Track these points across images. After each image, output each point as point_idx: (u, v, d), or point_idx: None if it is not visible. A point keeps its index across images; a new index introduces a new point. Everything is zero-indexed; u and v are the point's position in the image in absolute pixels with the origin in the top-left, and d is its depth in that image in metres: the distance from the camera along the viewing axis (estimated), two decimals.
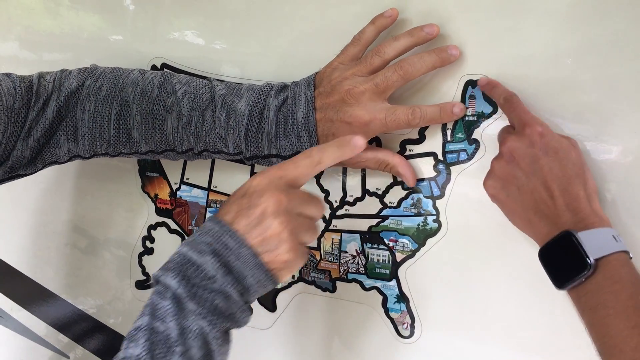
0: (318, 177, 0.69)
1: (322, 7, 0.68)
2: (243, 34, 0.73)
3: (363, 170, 0.67)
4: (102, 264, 0.86)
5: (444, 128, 0.62)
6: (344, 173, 0.68)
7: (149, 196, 0.81)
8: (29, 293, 0.93)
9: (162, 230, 0.81)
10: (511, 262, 0.60)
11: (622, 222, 0.55)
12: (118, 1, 0.80)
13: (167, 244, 0.80)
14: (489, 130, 0.60)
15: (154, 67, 0.78)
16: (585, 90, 0.56)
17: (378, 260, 0.67)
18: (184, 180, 0.78)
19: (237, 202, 0.49)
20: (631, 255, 0.47)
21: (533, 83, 0.58)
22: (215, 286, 0.46)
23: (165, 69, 0.75)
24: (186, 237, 0.79)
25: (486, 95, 0.59)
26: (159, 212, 0.80)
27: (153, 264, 0.82)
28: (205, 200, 0.77)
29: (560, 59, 0.57)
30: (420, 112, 0.58)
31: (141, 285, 0.83)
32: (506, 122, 0.58)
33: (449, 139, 0.62)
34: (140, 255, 0.83)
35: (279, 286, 0.73)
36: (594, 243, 0.47)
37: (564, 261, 0.48)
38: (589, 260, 0.46)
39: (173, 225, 0.80)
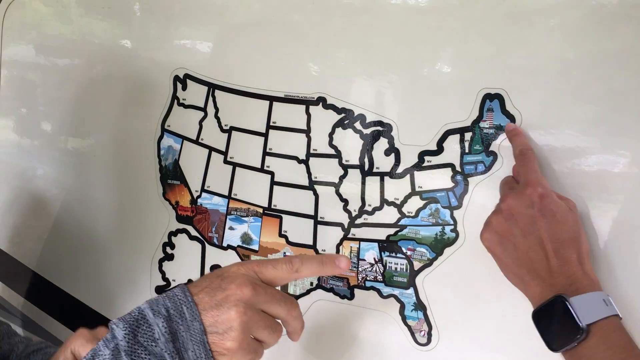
0: (337, 187, 0.71)
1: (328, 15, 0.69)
2: (256, 43, 0.74)
3: (382, 180, 0.68)
4: (123, 269, 0.88)
5: (462, 140, 0.64)
6: (363, 183, 0.69)
7: (170, 203, 0.83)
8: (50, 298, 0.95)
9: (182, 236, 0.82)
10: None
11: (629, 232, 0.56)
12: (129, 10, 0.82)
13: (187, 250, 0.82)
14: (507, 143, 0.61)
15: (176, 78, 0.80)
16: (592, 102, 0.58)
17: (396, 268, 0.69)
18: (205, 188, 0.80)
19: (210, 279, 0.51)
20: (621, 317, 0.49)
21: (541, 94, 0.59)
22: (156, 350, 0.47)
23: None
24: (206, 244, 0.80)
25: (504, 108, 0.61)
26: (179, 219, 0.82)
27: (173, 270, 0.84)
28: (225, 208, 0.78)
29: (568, 72, 0.58)
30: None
31: (161, 290, 0.85)
32: (528, 134, 0.60)
33: (466, 150, 0.63)
34: (161, 261, 0.84)
35: (297, 293, 0.74)
36: (586, 308, 0.48)
37: (556, 325, 0.50)
38: (581, 325, 0.47)
39: (193, 232, 0.81)
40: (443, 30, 0.63)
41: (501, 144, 0.62)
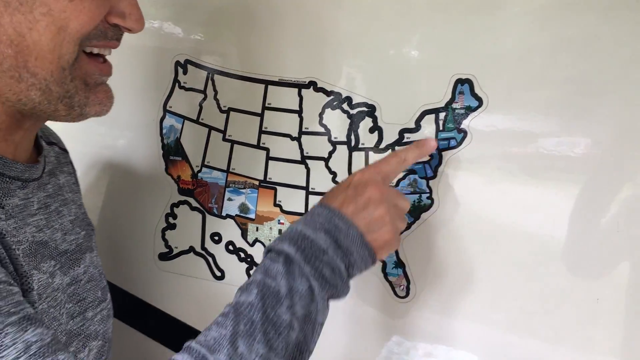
0: (327, 161, 0.80)
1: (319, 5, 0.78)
2: (252, 32, 0.82)
3: (366, 153, 0.77)
4: (128, 239, 0.96)
5: (436, 119, 0.73)
6: (350, 157, 0.79)
7: (172, 178, 0.90)
8: None
9: (184, 207, 0.90)
10: (496, 233, 0.71)
11: (591, 211, 0.66)
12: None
13: (188, 220, 0.90)
14: (476, 121, 0.71)
15: (177, 63, 0.87)
16: (555, 86, 0.67)
17: None
18: (205, 163, 0.88)
19: (343, 193, 0.58)
20: None
21: (505, 79, 0.68)
22: (326, 258, 0.53)
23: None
24: (206, 214, 0.89)
25: (473, 91, 0.71)
26: (181, 191, 0.90)
27: (175, 238, 0.92)
28: (224, 181, 0.87)
29: (530, 57, 0.67)
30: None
31: (164, 256, 0.93)
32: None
33: (441, 128, 0.73)
34: (164, 230, 0.92)
35: None
36: None
37: None
38: None
39: (194, 204, 0.89)
40: (417, 19, 0.72)
41: (470, 122, 0.71)
